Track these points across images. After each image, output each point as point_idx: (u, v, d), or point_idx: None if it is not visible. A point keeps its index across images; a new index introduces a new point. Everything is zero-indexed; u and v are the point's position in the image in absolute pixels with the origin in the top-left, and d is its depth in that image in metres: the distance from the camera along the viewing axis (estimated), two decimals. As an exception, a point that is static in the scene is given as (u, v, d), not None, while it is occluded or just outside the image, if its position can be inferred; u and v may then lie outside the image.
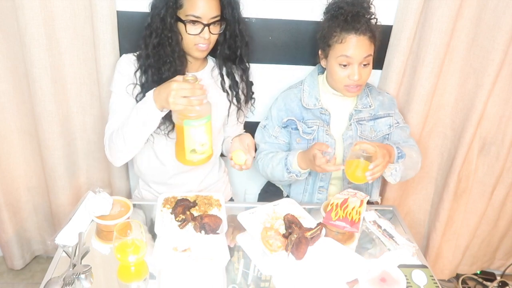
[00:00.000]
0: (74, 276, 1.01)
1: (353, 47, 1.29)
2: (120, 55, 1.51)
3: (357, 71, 1.31)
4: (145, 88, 1.29)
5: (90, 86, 1.58)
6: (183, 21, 1.25)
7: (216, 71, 1.42)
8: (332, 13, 1.35)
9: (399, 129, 1.50)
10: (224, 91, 1.42)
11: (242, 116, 1.54)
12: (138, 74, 1.31)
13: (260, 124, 1.55)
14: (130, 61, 1.33)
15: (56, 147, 1.61)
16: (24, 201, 1.82)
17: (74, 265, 1.05)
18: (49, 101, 1.52)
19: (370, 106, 1.46)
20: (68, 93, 1.58)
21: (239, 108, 1.48)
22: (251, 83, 1.51)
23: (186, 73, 1.29)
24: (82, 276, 1.02)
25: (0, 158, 1.66)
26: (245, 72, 1.45)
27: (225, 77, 1.42)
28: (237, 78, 1.44)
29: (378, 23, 1.38)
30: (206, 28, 1.26)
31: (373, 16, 1.35)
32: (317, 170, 1.29)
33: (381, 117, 1.48)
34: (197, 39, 1.27)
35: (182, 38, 1.28)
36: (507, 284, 2.03)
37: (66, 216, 1.26)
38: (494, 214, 1.92)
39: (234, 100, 1.44)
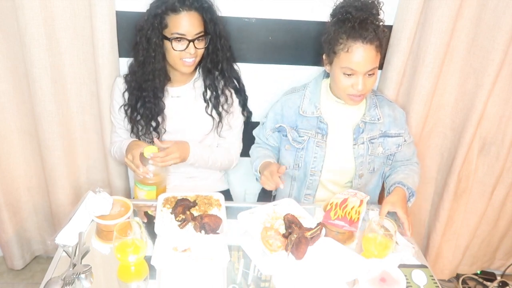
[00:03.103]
0: (74, 276, 1.01)
1: (359, 57, 1.25)
2: (119, 55, 1.52)
3: (362, 81, 1.28)
4: (131, 106, 1.46)
5: (90, 86, 1.58)
6: (169, 39, 1.34)
7: (199, 82, 1.49)
8: (339, 17, 1.29)
9: (406, 146, 1.48)
10: (205, 101, 1.48)
11: (225, 130, 1.55)
12: (126, 94, 1.47)
13: (261, 120, 1.57)
14: (121, 83, 1.48)
15: (56, 147, 1.61)
16: (24, 201, 1.82)
17: (74, 265, 1.05)
18: (49, 101, 1.52)
19: (378, 119, 1.43)
20: (68, 93, 1.58)
21: (219, 121, 1.51)
22: (233, 101, 1.54)
23: (145, 149, 1.36)
24: (82, 276, 1.02)
25: (0, 158, 1.66)
26: (226, 84, 1.50)
27: (207, 88, 1.48)
28: (219, 91, 1.49)
29: (385, 30, 1.31)
30: (191, 43, 1.35)
31: (381, 23, 1.30)
32: (262, 179, 1.33)
33: (392, 136, 1.45)
34: (183, 54, 1.36)
35: (166, 55, 1.38)
36: (507, 284, 2.02)
37: (66, 216, 1.26)
38: (494, 214, 1.92)
39: (214, 112, 1.49)
